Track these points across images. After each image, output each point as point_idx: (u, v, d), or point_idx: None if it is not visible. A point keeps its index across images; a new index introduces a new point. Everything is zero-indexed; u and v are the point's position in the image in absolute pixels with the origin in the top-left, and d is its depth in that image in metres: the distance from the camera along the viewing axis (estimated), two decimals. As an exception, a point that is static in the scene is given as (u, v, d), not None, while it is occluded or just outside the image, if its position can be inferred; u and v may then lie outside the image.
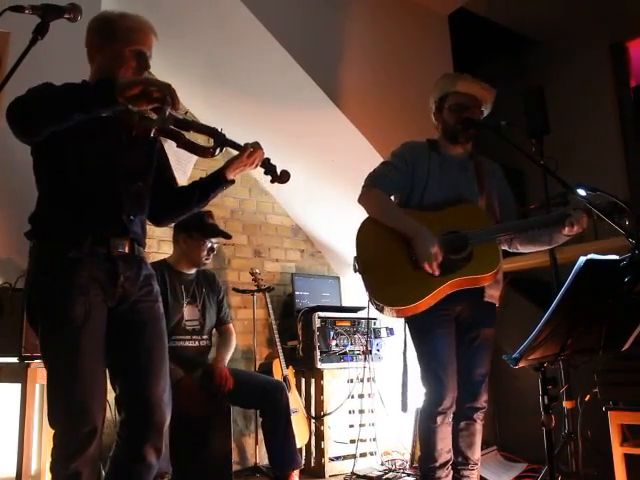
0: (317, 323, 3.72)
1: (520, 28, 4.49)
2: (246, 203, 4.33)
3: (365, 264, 2.35)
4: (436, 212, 2.34)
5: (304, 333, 3.78)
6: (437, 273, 2.21)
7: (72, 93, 1.60)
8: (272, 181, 1.98)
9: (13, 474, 2.43)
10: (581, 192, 1.96)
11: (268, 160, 1.96)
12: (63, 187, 1.75)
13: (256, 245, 4.33)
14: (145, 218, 1.92)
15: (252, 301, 3.83)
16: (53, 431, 1.66)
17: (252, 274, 3.79)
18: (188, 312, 3.06)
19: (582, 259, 1.59)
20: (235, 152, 1.94)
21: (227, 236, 3.19)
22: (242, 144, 1.91)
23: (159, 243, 3.80)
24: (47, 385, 1.68)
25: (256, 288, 3.77)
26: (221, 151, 1.89)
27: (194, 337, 3.07)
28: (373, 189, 2.41)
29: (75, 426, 1.61)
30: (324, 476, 3.54)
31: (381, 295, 2.29)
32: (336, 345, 3.75)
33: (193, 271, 3.16)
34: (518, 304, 3.57)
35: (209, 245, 3.10)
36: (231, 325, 3.28)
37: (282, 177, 1.97)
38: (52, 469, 1.65)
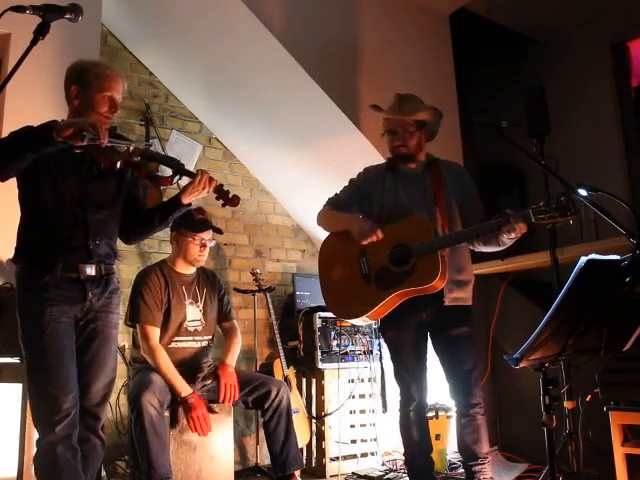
0: (318, 323, 3.72)
1: (520, 28, 4.49)
2: (247, 203, 4.33)
3: (322, 281, 2.65)
4: (387, 226, 2.47)
5: (305, 333, 3.78)
6: (379, 237, 2.41)
7: (20, 138, 1.89)
8: (223, 205, 2.20)
9: (14, 474, 2.43)
10: (582, 192, 1.96)
11: (220, 186, 2.19)
12: (37, 217, 2.06)
13: (257, 245, 4.33)
14: (113, 241, 2.20)
15: (253, 301, 3.83)
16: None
17: (253, 274, 3.79)
18: (190, 312, 3.04)
19: (583, 259, 1.59)
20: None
21: (217, 230, 3.12)
22: (201, 170, 2.16)
23: (160, 243, 3.80)
24: (27, 379, 2.03)
25: (257, 288, 3.77)
26: (180, 179, 2.15)
27: (196, 338, 3.05)
28: (322, 209, 2.71)
29: (47, 412, 1.93)
30: (325, 476, 3.54)
31: (335, 308, 2.63)
32: (337, 345, 3.74)
33: (192, 271, 3.13)
34: (519, 304, 3.57)
35: (200, 241, 3.02)
36: (235, 322, 3.26)
37: (233, 200, 2.18)
38: (37, 444, 1.98)
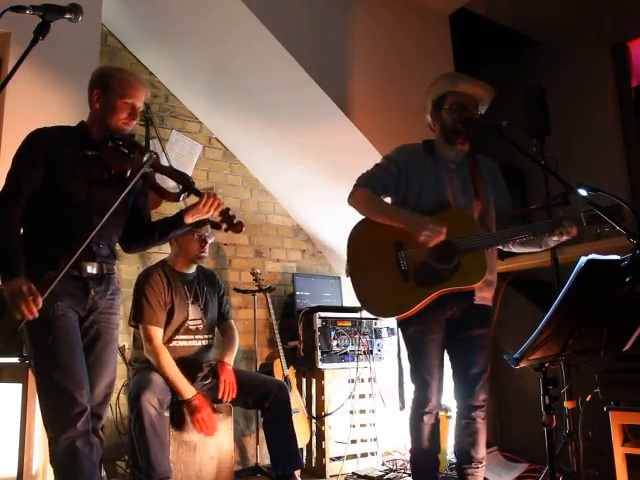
0: (318, 323, 3.72)
1: (520, 28, 4.49)
2: (247, 203, 4.33)
3: (355, 270, 2.42)
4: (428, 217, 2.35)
5: (305, 333, 3.78)
6: (445, 236, 2.23)
7: None
8: (226, 230, 2.16)
9: (14, 474, 2.43)
10: (582, 192, 1.96)
11: (226, 210, 2.14)
12: (42, 217, 2.05)
13: (257, 245, 4.33)
14: (114, 244, 2.20)
15: (253, 301, 3.83)
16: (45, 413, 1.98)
17: (253, 274, 3.79)
18: (192, 311, 3.05)
19: (583, 259, 1.59)
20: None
21: (215, 225, 3.15)
22: (210, 192, 2.11)
23: (160, 243, 3.80)
24: (35, 378, 2.02)
25: (257, 288, 3.77)
26: (187, 196, 2.11)
27: (197, 336, 3.06)
28: (361, 188, 2.45)
29: (64, 408, 1.92)
30: (325, 476, 3.54)
31: (369, 303, 2.39)
32: (337, 345, 3.75)
33: (193, 270, 3.14)
34: (519, 304, 3.57)
35: (200, 237, 3.03)
36: (232, 322, 3.27)
37: (236, 226, 2.14)
38: (49, 446, 1.93)
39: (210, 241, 3.11)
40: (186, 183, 2.10)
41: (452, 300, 2.32)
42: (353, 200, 2.46)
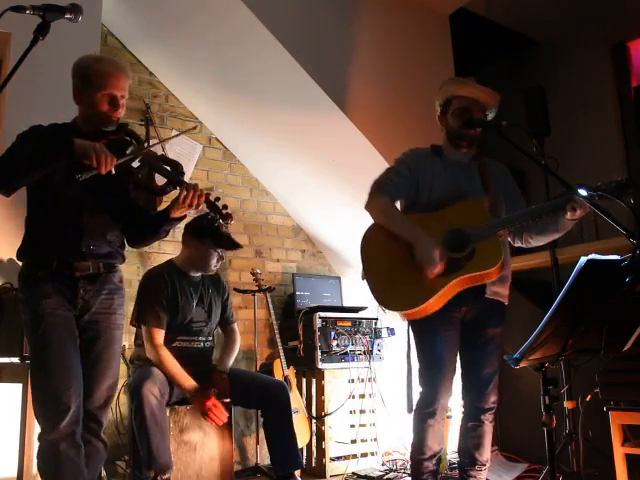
0: (318, 323, 3.72)
1: (520, 28, 4.49)
2: (247, 203, 4.33)
3: (370, 270, 2.37)
4: (438, 211, 2.34)
5: (305, 333, 3.78)
6: (437, 273, 2.20)
7: (38, 156, 1.90)
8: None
9: (14, 474, 2.43)
10: (582, 192, 1.96)
11: (214, 201, 2.07)
12: (37, 216, 2.07)
13: (257, 245, 4.33)
14: (115, 241, 2.16)
15: (253, 301, 3.83)
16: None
17: (253, 274, 3.79)
18: (196, 313, 3.05)
19: (583, 259, 1.59)
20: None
21: (239, 246, 3.13)
22: (189, 184, 2.03)
23: (159, 243, 3.79)
24: (30, 376, 2.01)
25: (257, 288, 3.77)
26: (174, 189, 2.05)
27: (200, 338, 3.06)
28: (378, 196, 2.42)
29: (48, 407, 1.92)
30: (325, 476, 3.54)
31: (387, 300, 2.31)
32: (337, 345, 3.75)
33: (199, 273, 3.15)
34: (519, 304, 3.56)
35: (217, 253, 3.04)
36: (235, 325, 3.27)
37: (226, 217, 2.06)
38: (39, 440, 1.96)
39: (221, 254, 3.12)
40: (171, 176, 2.03)
41: (465, 297, 2.27)
42: (370, 208, 2.44)
